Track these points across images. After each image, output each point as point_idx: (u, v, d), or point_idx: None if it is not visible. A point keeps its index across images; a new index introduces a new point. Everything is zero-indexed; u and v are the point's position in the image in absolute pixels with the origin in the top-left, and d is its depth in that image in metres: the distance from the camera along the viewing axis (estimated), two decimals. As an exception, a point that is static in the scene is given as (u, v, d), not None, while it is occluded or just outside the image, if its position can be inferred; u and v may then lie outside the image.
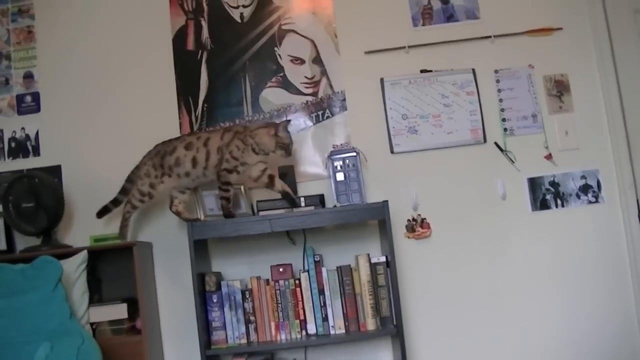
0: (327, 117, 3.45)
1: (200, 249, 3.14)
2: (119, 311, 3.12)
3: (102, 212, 3.25)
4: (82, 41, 3.55)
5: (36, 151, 3.48)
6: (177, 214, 3.20)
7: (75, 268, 3.03)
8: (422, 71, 3.47)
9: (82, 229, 3.39)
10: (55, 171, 3.42)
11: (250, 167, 3.13)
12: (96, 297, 3.25)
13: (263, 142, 3.10)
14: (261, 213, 3.16)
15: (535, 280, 3.36)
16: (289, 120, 3.20)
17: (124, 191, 3.25)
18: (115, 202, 3.26)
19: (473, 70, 3.48)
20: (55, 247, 3.20)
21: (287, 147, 3.12)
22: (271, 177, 3.15)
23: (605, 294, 3.36)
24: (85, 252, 3.08)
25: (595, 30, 3.51)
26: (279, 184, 3.15)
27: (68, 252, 3.09)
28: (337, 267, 3.11)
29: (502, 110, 3.46)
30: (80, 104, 3.51)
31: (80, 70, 3.53)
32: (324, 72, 3.48)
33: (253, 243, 3.35)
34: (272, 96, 3.48)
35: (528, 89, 3.48)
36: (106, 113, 3.49)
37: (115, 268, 3.26)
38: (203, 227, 3.03)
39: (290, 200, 3.14)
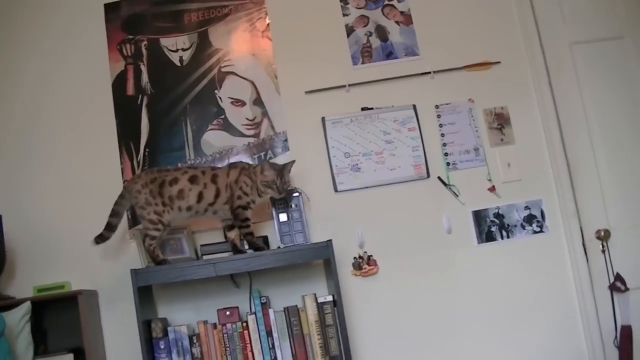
0: (270, 158, 3.43)
1: (145, 295, 3.10)
2: (66, 362, 3.06)
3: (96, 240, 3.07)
4: (20, 87, 3.49)
5: (-25, 202, 3.39)
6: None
7: (18, 320, 2.97)
8: (363, 109, 3.49)
9: (25, 279, 3.31)
10: (-5, 221, 3.34)
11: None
12: (41, 348, 3.18)
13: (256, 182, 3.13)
14: (205, 257, 3.15)
15: (485, 312, 3.38)
16: (293, 161, 3.19)
17: (109, 227, 3.08)
18: (101, 238, 3.07)
19: (414, 106, 3.50)
20: (-3, 299, 3.14)
21: (271, 185, 3.09)
22: None
23: (553, 322, 3.40)
24: (28, 303, 3.02)
25: (533, 62, 3.58)
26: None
27: (11, 304, 3.02)
28: (284, 308, 3.09)
29: (444, 144, 3.50)
30: (19, 152, 3.44)
31: (19, 117, 3.47)
32: (265, 113, 3.48)
33: (199, 287, 3.31)
34: (214, 139, 3.46)
35: (469, 123, 3.52)
36: (47, 160, 3.43)
37: (60, 318, 3.20)
38: (146, 273, 3.00)
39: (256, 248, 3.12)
